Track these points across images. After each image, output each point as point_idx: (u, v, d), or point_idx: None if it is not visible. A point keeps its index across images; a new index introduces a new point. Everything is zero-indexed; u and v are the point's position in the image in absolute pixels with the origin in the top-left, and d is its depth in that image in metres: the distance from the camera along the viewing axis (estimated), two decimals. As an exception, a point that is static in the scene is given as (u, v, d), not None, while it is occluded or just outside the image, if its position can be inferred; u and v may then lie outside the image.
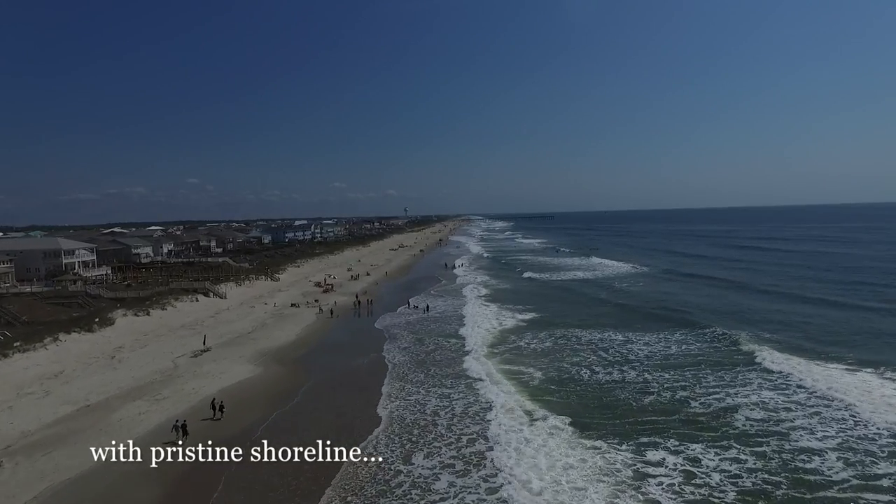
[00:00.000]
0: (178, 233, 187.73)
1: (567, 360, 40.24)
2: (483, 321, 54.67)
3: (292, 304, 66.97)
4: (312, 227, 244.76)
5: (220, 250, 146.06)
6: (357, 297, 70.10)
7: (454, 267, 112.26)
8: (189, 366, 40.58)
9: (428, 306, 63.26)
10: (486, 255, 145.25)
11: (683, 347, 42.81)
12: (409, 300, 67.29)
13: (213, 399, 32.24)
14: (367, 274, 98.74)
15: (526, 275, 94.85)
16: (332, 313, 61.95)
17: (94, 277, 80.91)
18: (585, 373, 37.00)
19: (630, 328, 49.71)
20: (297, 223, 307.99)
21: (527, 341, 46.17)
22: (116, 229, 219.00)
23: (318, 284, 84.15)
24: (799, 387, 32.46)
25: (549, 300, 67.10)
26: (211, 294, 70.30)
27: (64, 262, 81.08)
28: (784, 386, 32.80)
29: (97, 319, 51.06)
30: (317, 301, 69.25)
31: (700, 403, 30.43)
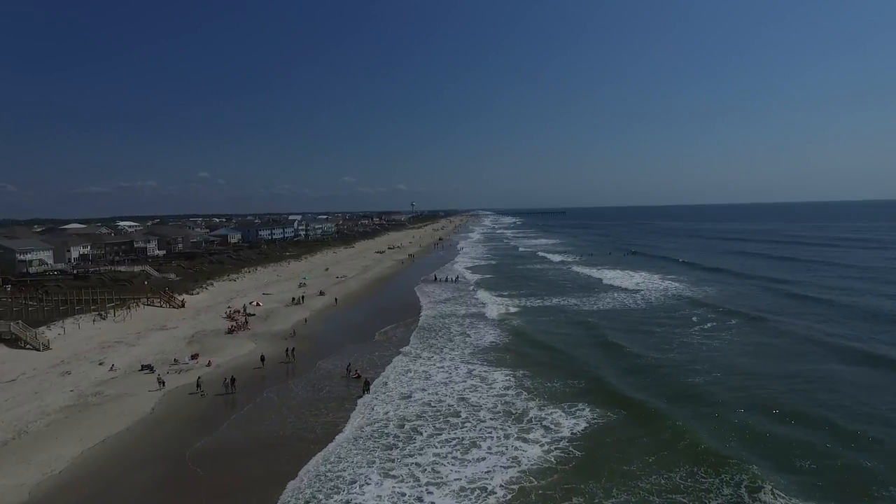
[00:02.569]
0: (132, 230, 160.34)
1: None
2: (463, 447, 25.42)
3: (143, 368, 38.29)
4: (296, 223, 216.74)
5: (161, 253, 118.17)
6: (262, 358, 40.73)
7: (446, 280, 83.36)
8: None
9: (367, 383, 34.08)
10: (489, 262, 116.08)
11: None
12: (348, 366, 38.08)
13: None
14: (321, 293, 69.91)
15: (540, 302, 65.69)
16: (198, 387, 33.75)
17: None
18: None
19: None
20: (290, 217, 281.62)
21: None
22: (75, 225, 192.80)
23: (230, 316, 55.51)
24: None
25: (588, 368, 37.75)
26: (22, 342, 41.91)
27: None
28: None
29: None
30: (194, 359, 40.54)
31: None
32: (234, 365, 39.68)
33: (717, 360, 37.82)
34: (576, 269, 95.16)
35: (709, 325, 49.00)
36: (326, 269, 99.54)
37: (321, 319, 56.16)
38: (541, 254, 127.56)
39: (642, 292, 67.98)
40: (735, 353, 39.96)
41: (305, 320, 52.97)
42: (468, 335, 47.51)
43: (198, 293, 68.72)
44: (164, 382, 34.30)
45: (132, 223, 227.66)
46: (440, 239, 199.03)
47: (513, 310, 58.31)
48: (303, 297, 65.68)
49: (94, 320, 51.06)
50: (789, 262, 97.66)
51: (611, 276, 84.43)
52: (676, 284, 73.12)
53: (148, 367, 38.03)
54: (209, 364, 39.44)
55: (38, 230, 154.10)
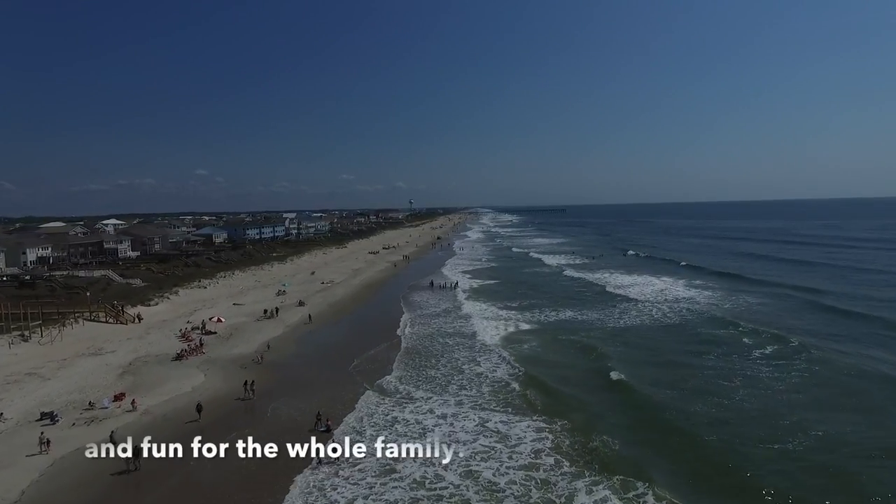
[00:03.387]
0: (105, 229, 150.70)
1: None
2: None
3: (42, 416, 28.95)
4: (287, 222, 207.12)
5: (135, 255, 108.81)
6: (198, 408, 30.73)
7: (443, 286, 74.20)
8: None
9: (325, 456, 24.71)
10: (490, 266, 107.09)
11: None
12: (318, 414, 28.64)
13: None
14: (300, 304, 60.71)
15: (554, 317, 56.83)
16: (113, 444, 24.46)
17: None
18: None
19: None
20: (284, 216, 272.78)
21: None
22: (53, 224, 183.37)
23: (184, 335, 46.19)
24: None
25: (634, 420, 29.08)
26: None
27: None
28: None
29: None
30: (117, 400, 31.20)
31: None
32: (167, 410, 30.45)
33: (803, 421, 27.28)
34: (587, 274, 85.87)
35: (768, 349, 39.79)
36: (312, 273, 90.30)
37: (294, 339, 46.86)
38: (546, 256, 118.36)
39: (669, 304, 58.90)
40: (820, 405, 29.84)
41: (267, 346, 43.18)
42: (475, 363, 38.27)
43: (156, 304, 59.45)
44: (48, 443, 24.96)
45: (117, 221, 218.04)
46: (438, 238, 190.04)
47: (524, 327, 49.09)
48: (277, 309, 56.31)
49: (10, 343, 41.76)
50: (819, 267, 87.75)
51: (627, 282, 75.35)
52: (708, 293, 64.06)
53: (49, 416, 28.70)
54: (134, 407, 30.17)
55: (11, 229, 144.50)
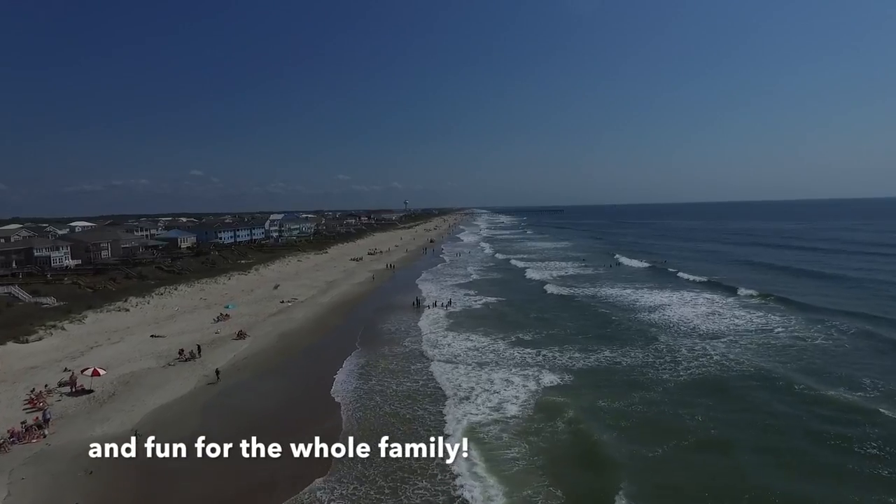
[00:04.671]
0: (57, 232, 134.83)
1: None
2: None
3: None
4: (267, 224, 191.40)
5: (74, 263, 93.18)
6: None
7: (433, 305, 59.38)
8: None
9: None
10: (489, 277, 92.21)
11: None
12: None
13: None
14: (239, 335, 45.56)
15: (582, 361, 41.84)
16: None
17: None
18: None
19: None
20: (272, 216, 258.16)
21: None
22: (12, 226, 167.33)
23: (34, 400, 30.87)
24: None
25: None
26: None
27: None
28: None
29: None
30: None
31: None
32: None
33: None
34: (605, 290, 71.01)
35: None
36: (276, 287, 75.10)
37: (202, 404, 31.53)
38: (551, 264, 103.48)
39: (730, 338, 43.90)
40: None
41: (136, 433, 27.63)
42: (486, 474, 23.08)
43: (39, 338, 44.03)
44: None
45: (86, 223, 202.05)
46: (431, 241, 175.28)
47: (547, 381, 33.73)
48: (199, 347, 40.95)
49: None
50: (882, 286, 68.13)
51: (659, 302, 60.51)
52: (776, 319, 49.18)
53: None
54: None
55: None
